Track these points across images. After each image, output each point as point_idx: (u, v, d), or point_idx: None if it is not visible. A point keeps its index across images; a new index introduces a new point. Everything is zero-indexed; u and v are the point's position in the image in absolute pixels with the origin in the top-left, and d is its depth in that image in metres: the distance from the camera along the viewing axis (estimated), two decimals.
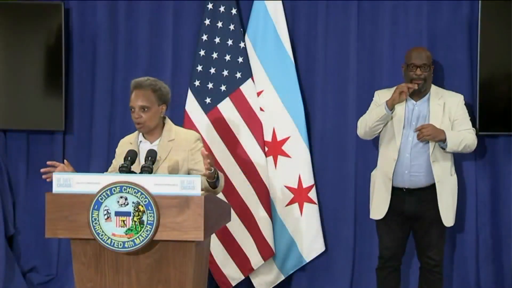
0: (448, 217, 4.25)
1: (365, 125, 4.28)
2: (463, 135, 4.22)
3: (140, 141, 3.62)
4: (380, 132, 4.30)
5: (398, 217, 4.28)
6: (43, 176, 3.46)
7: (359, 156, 4.85)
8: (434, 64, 4.55)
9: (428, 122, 4.22)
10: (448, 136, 4.15)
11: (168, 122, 3.64)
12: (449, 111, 4.25)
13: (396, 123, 4.23)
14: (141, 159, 3.49)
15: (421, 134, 4.13)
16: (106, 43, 5.04)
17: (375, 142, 4.56)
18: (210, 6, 4.86)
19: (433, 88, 4.32)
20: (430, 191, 4.22)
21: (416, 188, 4.22)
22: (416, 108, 4.26)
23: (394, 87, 4.26)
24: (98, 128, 5.05)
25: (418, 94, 4.25)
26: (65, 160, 3.54)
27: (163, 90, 3.60)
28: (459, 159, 4.79)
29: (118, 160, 3.58)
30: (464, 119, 4.29)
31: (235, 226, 4.74)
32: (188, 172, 3.56)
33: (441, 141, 4.16)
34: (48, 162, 3.48)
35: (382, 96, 4.32)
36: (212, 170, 3.33)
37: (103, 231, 3.06)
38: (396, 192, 4.25)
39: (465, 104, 4.35)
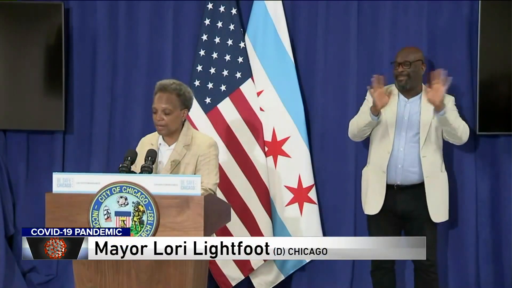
0: (436, 213, 4.25)
1: (354, 128, 4.32)
2: (460, 120, 4.21)
3: (160, 144, 3.65)
4: (370, 134, 4.33)
5: (390, 216, 4.28)
6: None
7: (359, 156, 4.84)
8: (433, 64, 4.57)
9: (419, 119, 4.23)
10: (448, 109, 4.09)
11: (186, 126, 3.66)
12: None
13: (389, 119, 4.25)
14: (157, 161, 3.55)
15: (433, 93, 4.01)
16: (106, 43, 5.04)
17: None
18: (210, 6, 4.86)
19: (425, 88, 4.33)
20: (421, 189, 4.23)
21: (407, 184, 4.23)
22: (408, 105, 4.28)
23: (386, 86, 4.29)
24: (98, 128, 5.05)
25: (409, 92, 4.27)
26: None
27: (187, 95, 3.64)
28: (459, 158, 4.80)
29: (139, 158, 3.58)
30: (456, 113, 4.26)
31: (235, 226, 4.74)
32: None
33: (439, 107, 4.03)
34: None
35: None
36: None
37: None
38: (388, 190, 4.25)
39: (459, 104, 4.36)
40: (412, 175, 4.23)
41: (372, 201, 4.31)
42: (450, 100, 4.27)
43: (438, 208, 4.25)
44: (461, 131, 4.19)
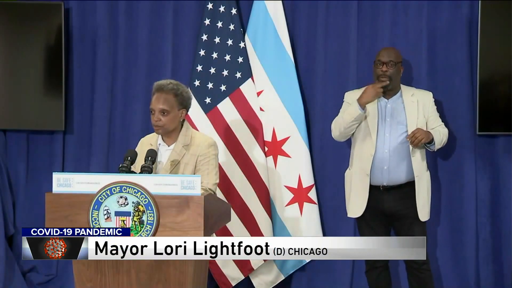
0: (424, 212, 4.26)
1: (339, 126, 4.32)
2: (441, 132, 4.29)
3: (159, 144, 3.65)
4: (353, 132, 4.35)
5: (378, 216, 4.29)
6: None
7: None
8: (433, 64, 4.57)
9: (405, 117, 4.25)
10: (434, 136, 4.22)
11: (186, 126, 3.66)
12: (423, 108, 4.28)
13: (370, 120, 4.26)
14: (157, 161, 3.55)
15: (416, 140, 4.14)
16: (106, 43, 5.04)
17: None
18: (210, 6, 4.86)
19: (403, 87, 4.37)
20: (408, 188, 4.24)
21: (394, 185, 4.23)
22: (388, 105, 4.30)
23: (364, 87, 4.30)
24: (98, 128, 5.05)
25: (388, 92, 4.29)
26: None
27: (185, 95, 3.64)
28: (459, 158, 4.80)
29: (139, 158, 3.59)
30: (437, 116, 4.35)
31: (235, 226, 4.74)
32: None
33: (430, 142, 4.21)
34: None
35: (353, 97, 4.33)
36: None
37: None
38: (374, 191, 4.26)
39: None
40: (399, 175, 4.22)
41: (355, 204, 4.32)
42: (430, 98, 4.35)
43: (424, 207, 4.26)
44: (446, 138, 4.31)
